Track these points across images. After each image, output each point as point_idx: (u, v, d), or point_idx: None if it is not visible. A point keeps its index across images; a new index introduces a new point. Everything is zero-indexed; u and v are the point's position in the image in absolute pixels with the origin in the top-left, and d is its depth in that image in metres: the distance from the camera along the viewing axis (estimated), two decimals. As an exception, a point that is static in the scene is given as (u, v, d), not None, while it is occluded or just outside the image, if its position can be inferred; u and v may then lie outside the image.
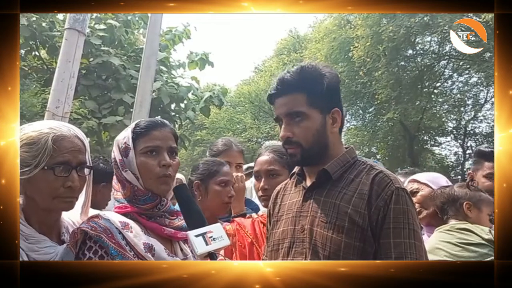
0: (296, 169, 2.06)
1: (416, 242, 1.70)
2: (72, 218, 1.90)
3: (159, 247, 1.75)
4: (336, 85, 1.92)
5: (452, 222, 2.74)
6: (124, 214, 1.79)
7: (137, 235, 1.72)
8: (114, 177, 1.89)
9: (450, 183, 3.00)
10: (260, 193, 2.58)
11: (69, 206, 1.74)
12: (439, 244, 2.61)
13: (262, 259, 2.18)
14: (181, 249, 1.89)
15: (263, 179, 2.59)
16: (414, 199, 2.95)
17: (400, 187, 1.76)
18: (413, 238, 1.70)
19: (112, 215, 1.76)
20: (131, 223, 1.76)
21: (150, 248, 1.71)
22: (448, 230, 2.68)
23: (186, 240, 1.89)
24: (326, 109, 1.87)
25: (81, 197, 1.84)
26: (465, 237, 2.57)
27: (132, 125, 1.88)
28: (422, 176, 3.10)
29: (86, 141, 1.81)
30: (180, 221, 1.90)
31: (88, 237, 1.65)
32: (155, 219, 1.83)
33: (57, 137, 1.67)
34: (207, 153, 3.61)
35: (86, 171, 1.78)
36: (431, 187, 2.97)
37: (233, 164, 3.34)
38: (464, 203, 2.72)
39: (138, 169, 1.79)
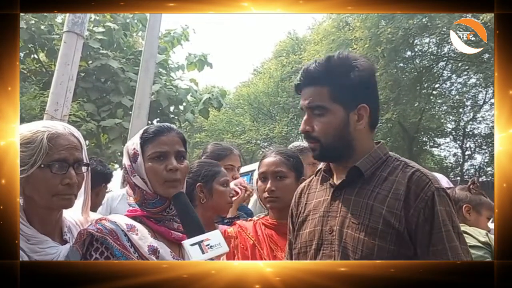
0: (322, 165, 1.97)
1: (463, 246, 1.64)
2: (74, 217, 1.91)
3: (164, 250, 1.76)
4: (367, 78, 1.77)
5: None
6: (133, 218, 1.83)
7: (142, 238, 1.74)
8: (127, 182, 1.95)
9: (451, 184, 3.00)
10: (266, 194, 2.55)
11: (69, 204, 1.73)
12: None
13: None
14: None
15: (269, 181, 2.56)
16: None
17: (440, 187, 1.67)
18: (464, 242, 1.66)
19: (119, 218, 1.79)
20: (138, 225, 1.78)
21: (154, 251, 1.73)
22: None
23: None
24: (351, 105, 1.75)
25: (81, 196, 1.85)
26: None
27: (141, 132, 1.92)
28: None
29: (82, 139, 1.81)
30: None
31: (95, 238, 1.68)
32: (163, 223, 1.86)
33: (52, 135, 1.67)
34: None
35: (84, 168, 1.78)
36: None
37: (236, 168, 3.44)
38: (464, 206, 2.72)
39: (146, 174, 1.83)
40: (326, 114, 1.74)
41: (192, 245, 1.68)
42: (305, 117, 1.80)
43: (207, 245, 1.69)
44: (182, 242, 1.73)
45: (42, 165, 1.63)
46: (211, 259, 1.69)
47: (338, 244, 1.70)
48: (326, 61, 1.77)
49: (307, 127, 1.78)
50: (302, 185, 2.09)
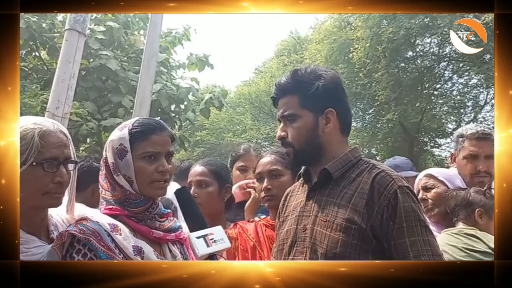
0: (302, 170, 2.08)
1: (429, 238, 1.71)
2: (60, 215, 1.88)
3: (148, 249, 1.74)
4: (332, 85, 1.94)
5: (461, 226, 2.73)
6: (113, 216, 1.76)
7: (126, 238, 1.70)
8: (102, 175, 1.86)
9: (464, 184, 3.00)
10: (263, 193, 2.57)
11: (57, 202, 1.72)
12: (445, 246, 2.60)
13: (270, 260, 2.20)
14: (170, 250, 1.87)
15: (266, 180, 2.58)
16: (428, 195, 2.95)
17: (403, 185, 1.76)
18: (426, 234, 1.71)
19: (101, 217, 1.73)
20: (120, 225, 1.73)
21: (139, 251, 1.70)
22: (456, 233, 2.67)
23: (175, 242, 1.91)
24: (319, 110, 1.91)
25: (65, 195, 1.81)
26: (472, 243, 2.56)
27: (129, 126, 1.83)
28: (438, 173, 3.05)
29: (69, 136, 1.79)
30: (170, 223, 1.90)
31: (76, 240, 1.62)
32: (145, 222, 1.81)
33: (44, 132, 1.65)
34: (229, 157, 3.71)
35: (71, 166, 1.76)
36: (447, 186, 2.96)
37: (250, 168, 3.36)
38: (477, 210, 2.71)
39: (134, 173, 1.77)
40: (297, 120, 1.92)
41: (197, 238, 1.73)
42: (281, 125, 1.99)
43: (211, 239, 1.75)
44: (188, 234, 1.76)
45: (34, 163, 1.61)
46: (214, 253, 1.73)
47: (309, 241, 1.83)
48: (294, 73, 1.97)
49: (282, 133, 1.96)
50: (288, 189, 2.22)
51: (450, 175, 3.05)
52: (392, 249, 1.70)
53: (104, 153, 1.86)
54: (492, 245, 2.49)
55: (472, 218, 2.72)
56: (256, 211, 3.06)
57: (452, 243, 2.61)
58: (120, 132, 1.82)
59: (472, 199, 2.74)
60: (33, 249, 1.64)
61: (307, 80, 1.92)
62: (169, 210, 1.93)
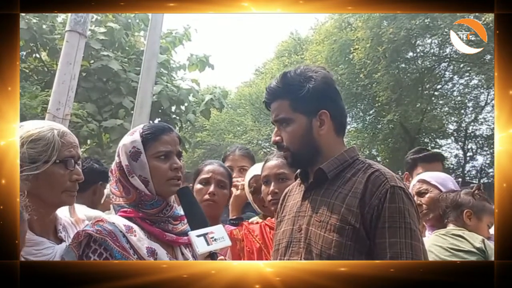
0: (298, 170, 2.07)
1: (413, 242, 1.66)
2: (68, 216, 1.94)
3: (161, 251, 1.79)
4: (324, 86, 1.91)
5: (450, 227, 2.76)
6: (128, 219, 1.82)
7: (140, 239, 1.75)
8: (113, 183, 1.91)
9: (457, 186, 3.01)
10: (269, 197, 2.58)
11: (73, 200, 1.79)
12: (431, 247, 2.63)
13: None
14: (182, 253, 1.93)
15: (272, 183, 2.59)
16: (422, 200, 2.96)
17: (396, 185, 1.73)
18: (410, 237, 1.66)
19: (117, 219, 1.79)
20: (135, 227, 1.79)
21: (153, 252, 1.75)
22: (443, 234, 2.71)
23: (187, 245, 1.94)
24: (312, 112, 1.89)
25: None
26: (457, 243, 2.60)
27: (139, 130, 1.91)
28: (431, 177, 3.07)
29: None
30: (183, 226, 1.94)
31: (93, 240, 1.68)
32: (158, 225, 1.86)
33: (62, 132, 1.73)
34: None
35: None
36: (440, 190, 2.97)
37: (235, 168, 3.49)
38: (465, 211, 2.73)
39: (150, 173, 1.83)
40: (290, 124, 1.90)
41: (198, 236, 1.75)
42: (275, 130, 1.98)
43: (211, 238, 1.78)
44: (188, 233, 1.79)
45: (58, 161, 1.68)
46: (215, 251, 1.75)
47: (304, 241, 1.81)
48: (283, 77, 1.95)
49: (277, 138, 1.95)
50: (286, 189, 2.21)
51: (443, 179, 3.07)
52: (375, 249, 1.68)
53: (116, 158, 1.92)
54: (478, 245, 2.53)
55: (461, 219, 2.75)
56: (243, 209, 3.14)
57: (438, 243, 2.65)
58: (131, 136, 1.91)
59: (461, 201, 2.77)
60: (43, 250, 1.68)
61: (297, 83, 1.90)
62: (183, 214, 1.95)
